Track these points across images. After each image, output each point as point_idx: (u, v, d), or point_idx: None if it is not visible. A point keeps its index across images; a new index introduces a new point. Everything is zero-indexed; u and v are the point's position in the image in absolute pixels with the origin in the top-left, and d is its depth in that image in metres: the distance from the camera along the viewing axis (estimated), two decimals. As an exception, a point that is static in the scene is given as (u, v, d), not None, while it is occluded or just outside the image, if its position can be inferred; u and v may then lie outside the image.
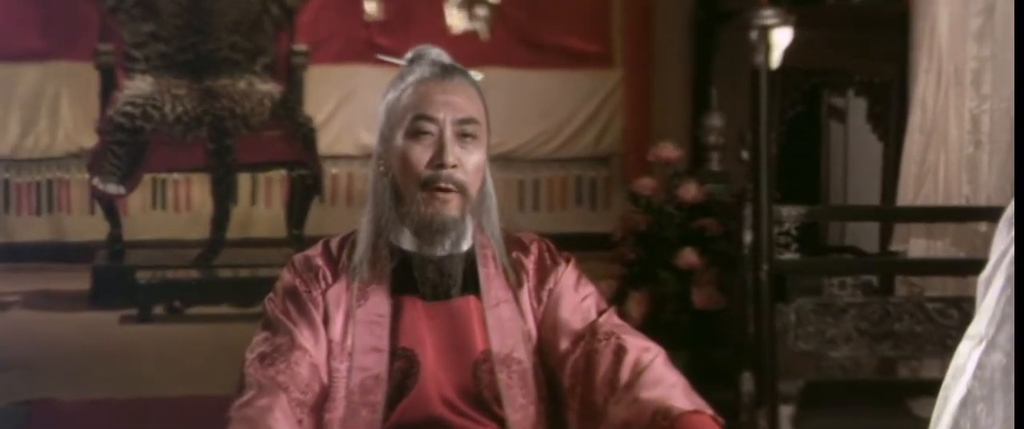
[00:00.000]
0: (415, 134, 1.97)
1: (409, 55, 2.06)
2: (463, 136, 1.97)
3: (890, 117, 4.63)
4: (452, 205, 1.98)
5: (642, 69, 5.98)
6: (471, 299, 2.02)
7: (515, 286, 2.05)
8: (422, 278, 2.01)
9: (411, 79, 2.00)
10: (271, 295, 2.04)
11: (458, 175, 1.97)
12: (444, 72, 2.00)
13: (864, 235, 5.09)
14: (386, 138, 2.01)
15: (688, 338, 4.27)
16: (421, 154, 1.97)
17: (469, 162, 1.98)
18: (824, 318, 3.81)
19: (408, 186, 1.98)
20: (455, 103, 1.97)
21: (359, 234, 2.03)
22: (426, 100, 1.97)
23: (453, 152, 1.96)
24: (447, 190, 1.97)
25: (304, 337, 1.97)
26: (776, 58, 3.68)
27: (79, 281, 5.58)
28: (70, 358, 4.96)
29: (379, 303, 2.01)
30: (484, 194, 2.03)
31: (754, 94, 3.69)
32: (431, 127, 1.97)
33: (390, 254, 2.02)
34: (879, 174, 4.90)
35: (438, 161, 1.96)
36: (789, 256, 4.00)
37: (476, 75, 2.06)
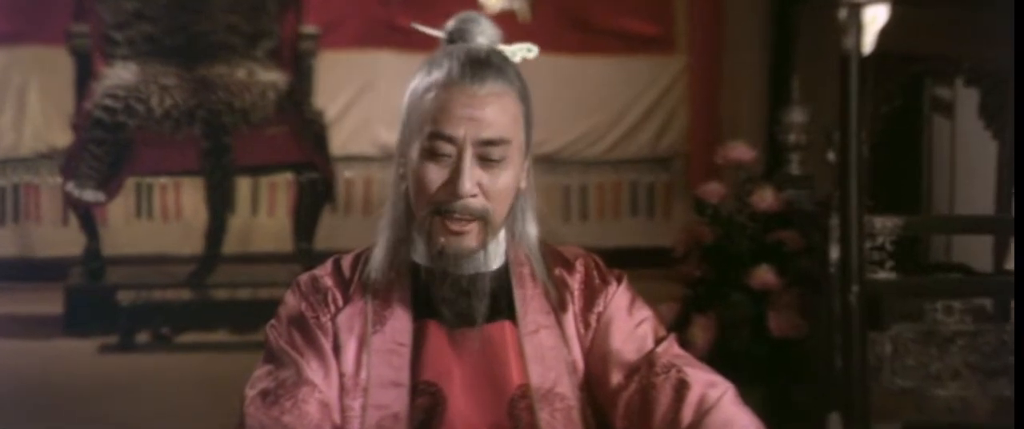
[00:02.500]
0: (431, 153, 1.95)
1: (450, 26, 2.04)
2: (487, 159, 1.95)
3: (1006, 111, 4.61)
4: (469, 237, 1.97)
5: (710, 55, 5.97)
6: (506, 325, 2.03)
7: (558, 309, 2.05)
8: (440, 298, 2.01)
9: (437, 76, 1.97)
10: (273, 322, 2.06)
11: (476, 204, 1.96)
12: (474, 74, 1.95)
13: (974, 251, 5.06)
14: (405, 142, 2.01)
15: (763, 371, 4.27)
16: (435, 176, 1.96)
17: (494, 187, 1.97)
18: (927, 349, 3.81)
19: (420, 207, 1.98)
20: (480, 120, 1.94)
21: (377, 239, 2.04)
22: (445, 113, 1.94)
23: (471, 178, 1.94)
24: (463, 219, 1.96)
25: (312, 370, 1.99)
26: (870, 41, 3.68)
27: (50, 303, 5.61)
28: (39, 394, 5.01)
29: (398, 329, 2.02)
30: (521, 198, 2.03)
31: (843, 84, 3.69)
32: (448, 148, 1.95)
33: (411, 272, 2.03)
34: (993, 178, 4.88)
35: (453, 188, 1.94)
36: (884, 275, 3.99)
37: (526, 51, 2.04)
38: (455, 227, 1.96)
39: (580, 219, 5.95)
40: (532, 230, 2.07)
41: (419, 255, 2.04)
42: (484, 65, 1.97)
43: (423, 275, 2.03)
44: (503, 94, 1.97)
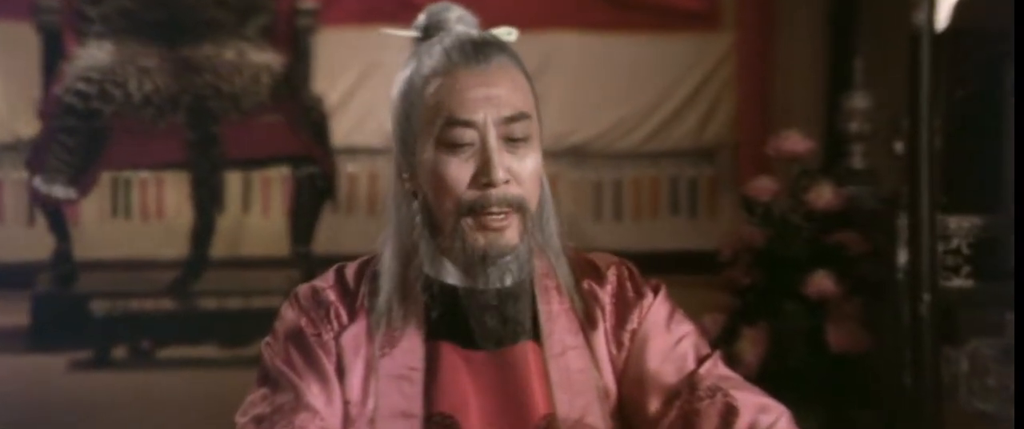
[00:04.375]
0: (449, 145, 1.97)
1: (420, 21, 2.07)
2: (512, 140, 1.98)
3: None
4: (510, 231, 1.99)
5: (761, 31, 5.96)
6: (529, 346, 2.04)
7: (587, 327, 2.06)
8: (478, 321, 2.02)
9: (432, 65, 1.99)
10: (269, 340, 2.07)
11: (512, 191, 1.98)
12: (476, 52, 1.99)
13: (1062, 254, 5.05)
14: (409, 145, 2.03)
15: (821, 392, 4.28)
16: (459, 171, 1.97)
17: (523, 170, 1.99)
18: (1008, 367, 3.80)
19: (447, 214, 2.00)
20: (497, 97, 1.98)
21: (381, 268, 2.05)
22: (458, 98, 1.97)
23: (502, 163, 1.97)
24: (500, 211, 1.98)
25: (313, 395, 2.00)
26: (943, 16, 3.68)
27: (14, 314, 5.63)
28: (2, 415, 5.03)
29: (410, 352, 2.03)
30: (540, 203, 2.05)
31: (913, 66, 3.70)
32: (469, 134, 1.97)
33: (425, 288, 2.04)
34: (1084, 172, 4.86)
35: (485, 179, 1.96)
36: (959, 283, 3.99)
37: (506, 35, 2.06)
38: (494, 223, 1.98)
39: (613, 219, 5.95)
40: (552, 222, 2.08)
41: (443, 273, 2.05)
42: (482, 43, 2.01)
43: (442, 292, 2.04)
44: (511, 68, 2.01)
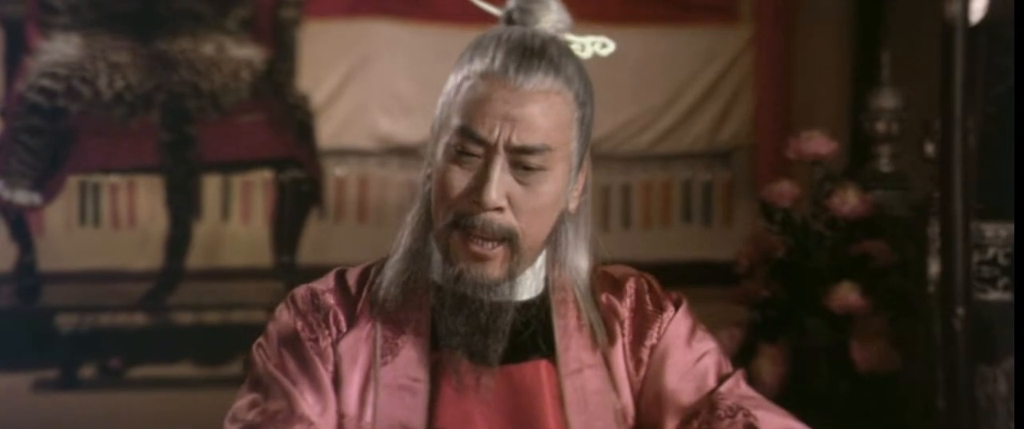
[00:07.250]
0: (456, 152, 1.97)
1: (510, 4, 2.05)
2: (523, 168, 1.97)
3: None
4: (493, 264, 1.99)
5: (781, 25, 5.97)
6: (542, 364, 2.05)
7: (605, 345, 2.07)
8: (452, 330, 2.02)
9: (479, 64, 1.98)
10: (261, 341, 2.08)
11: (501, 221, 1.97)
12: (523, 63, 1.96)
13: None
14: (434, 138, 2.03)
15: (846, 414, 4.28)
16: (459, 180, 1.98)
17: (528, 202, 1.98)
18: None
19: (439, 216, 2.00)
20: (519, 119, 1.96)
21: (394, 248, 2.05)
22: (479, 108, 1.96)
23: (499, 187, 1.96)
24: (485, 239, 1.98)
25: (307, 404, 2.00)
26: (979, 7, 3.69)
27: (-26, 329, 5.66)
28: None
29: (413, 362, 2.03)
30: (571, 222, 2.06)
31: (946, 61, 3.71)
32: (476, 149, 1.97)
33: (431, 288, 2.04)
34: None
35: (474, 197, 1.96)
36: (996, 295, 3.99)
37: (594, 46, 2.06)
38: (477, 249, 1.98)
39: (621, 226, 5.95)
40: (582, 264, 2.09)
41: (436, 273, 2.05)
42: (536, 55, 1.98)
43: (433, 298, 2.05)
44: (553, 93, 1.98)
